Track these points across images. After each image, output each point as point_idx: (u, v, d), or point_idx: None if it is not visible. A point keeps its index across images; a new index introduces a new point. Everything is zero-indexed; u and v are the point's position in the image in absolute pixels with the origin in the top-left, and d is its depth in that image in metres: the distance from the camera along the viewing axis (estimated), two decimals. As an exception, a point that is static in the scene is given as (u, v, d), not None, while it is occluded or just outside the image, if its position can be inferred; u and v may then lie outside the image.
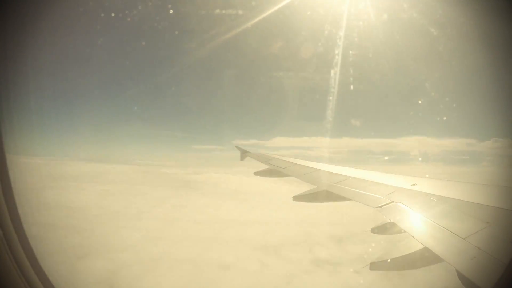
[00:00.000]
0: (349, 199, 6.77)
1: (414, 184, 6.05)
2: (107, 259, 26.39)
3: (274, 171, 9.98)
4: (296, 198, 8.28)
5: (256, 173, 10.78)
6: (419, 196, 5.59)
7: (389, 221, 5.42)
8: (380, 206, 5.63)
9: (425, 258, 4.47)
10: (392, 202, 5.61)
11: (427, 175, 6.80)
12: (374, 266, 5.08)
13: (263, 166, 10.68)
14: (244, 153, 12.72)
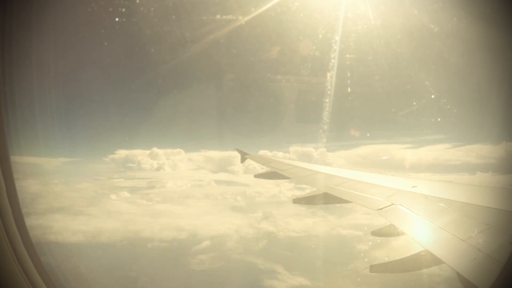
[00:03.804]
0: (349, 202, 6.78)
1: (414, 186, 6.06)
2: (108, 258, 26.33)
3: (274, 173, 9.99)
4: (296, 200, 8.30)
5: (256, 176, 10.79)
6: (419, 198, 5.59)
7: (390, 223, 5.43)
8: (381, 209, 5.63)
9: (426, 260, 4.48)
10: (393, 204, 5.62)
11: (426, 177, 6.81)
12: (374, 268, 5.09)
13: (263, 169, 10.70)
14: (244, 156, 12.72)
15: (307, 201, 7.91)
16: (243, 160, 12.66)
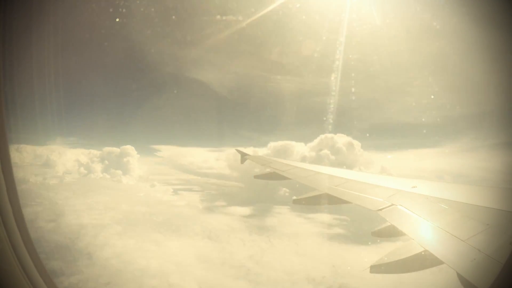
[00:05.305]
0: (349, 202, 6.77)
1: (414, 187, 6.06)
2: (107, 257, 26.33)
3: (274, 174, 9.97)
4: (296, 201, 8.28)
5: (256, 176, 10.77)
6: (419, 199, 5.60)
7: (390, 223, 5.42)
8: (381, 209, 5.63)
9: (426, 260, 4.47)
10: (393, 204, 5.62)
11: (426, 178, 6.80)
12: (374, 269, 5.09)
13: (263, 169, 10.68)
14: (244, 156, 12.71)
15: (307, 201, 7.89)
16: (243, 160, 12.65)
